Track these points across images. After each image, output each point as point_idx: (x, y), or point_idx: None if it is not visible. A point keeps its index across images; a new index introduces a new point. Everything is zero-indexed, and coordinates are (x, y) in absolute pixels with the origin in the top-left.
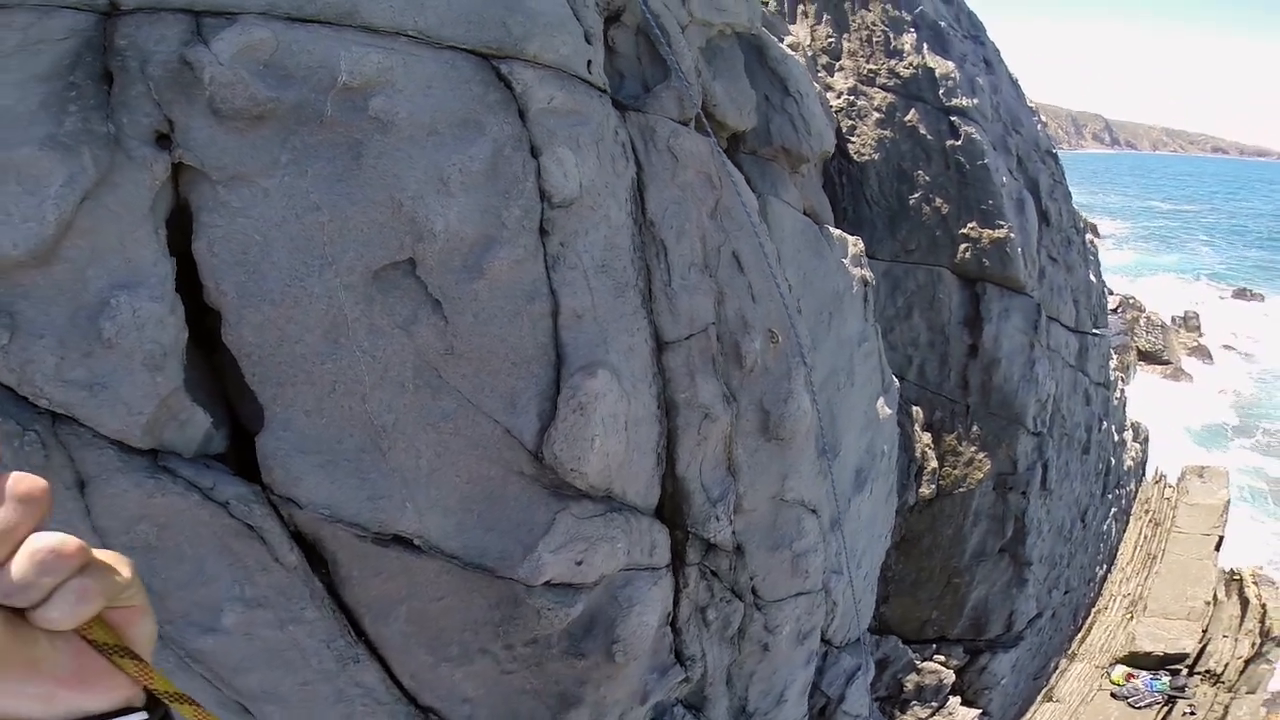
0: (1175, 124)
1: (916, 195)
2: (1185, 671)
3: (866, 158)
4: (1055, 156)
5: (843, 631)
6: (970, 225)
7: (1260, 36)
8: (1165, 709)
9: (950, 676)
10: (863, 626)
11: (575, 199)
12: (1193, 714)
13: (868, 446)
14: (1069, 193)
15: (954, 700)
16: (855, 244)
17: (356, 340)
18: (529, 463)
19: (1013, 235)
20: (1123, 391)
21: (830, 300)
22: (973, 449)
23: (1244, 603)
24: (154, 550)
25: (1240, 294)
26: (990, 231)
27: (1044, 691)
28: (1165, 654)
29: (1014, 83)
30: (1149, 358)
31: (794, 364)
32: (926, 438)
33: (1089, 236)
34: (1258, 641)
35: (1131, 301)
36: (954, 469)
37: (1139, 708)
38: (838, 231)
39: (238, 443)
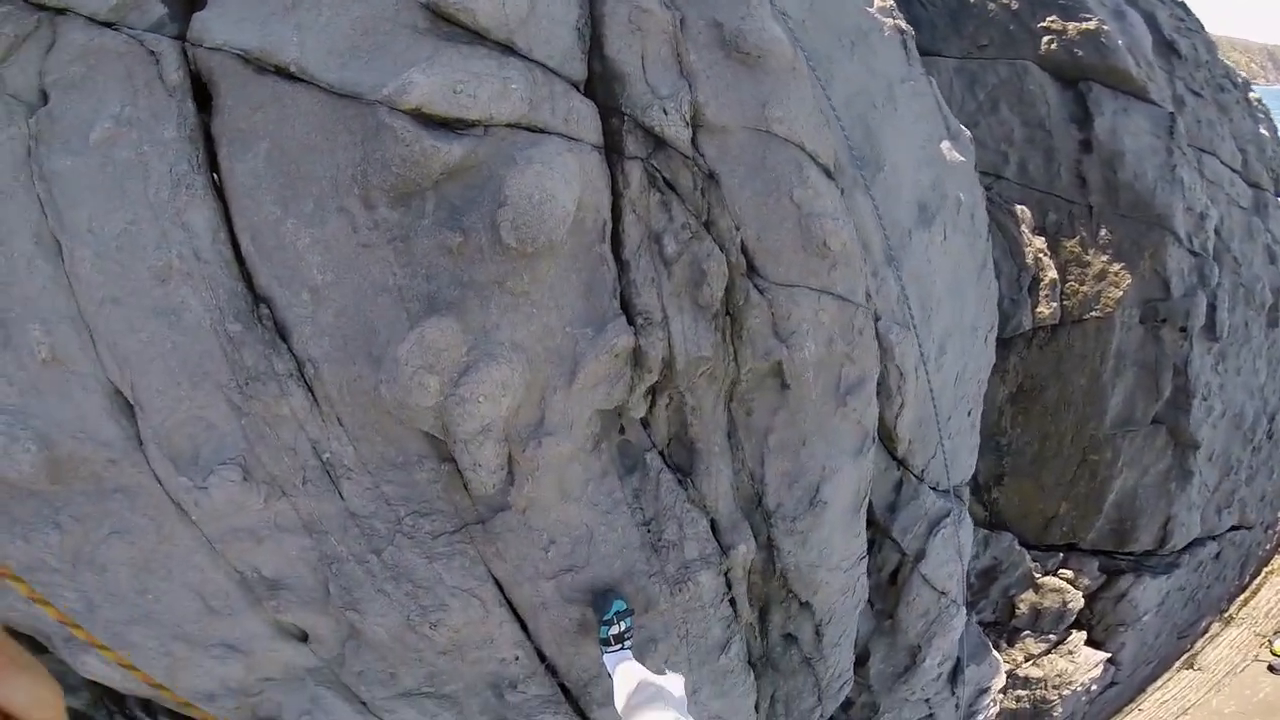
0: None
1: None
2: None
3: None
4: (1187, 8)
5: (922, 451)
6: (1050, 19)
7: None
8: None
9: (1078, 601)
10: (954, 477)
11: None
12: None
13: (932, 183)
14: (1212, 44)
15: (1077, 636)
16: None
17: None
18: (423, 18)
19: (1106, 28)
20: None
21: (852, 32)
22: (1104, 258)
23: None
24: (75, 87)
25: None
26: (1075, 24)
27: (1185, 656)
28: None
29: None
30: None
31: None
32: (1039, 242)
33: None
34: None
35: None
36: (1081, 284)
37: None
38: None
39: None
